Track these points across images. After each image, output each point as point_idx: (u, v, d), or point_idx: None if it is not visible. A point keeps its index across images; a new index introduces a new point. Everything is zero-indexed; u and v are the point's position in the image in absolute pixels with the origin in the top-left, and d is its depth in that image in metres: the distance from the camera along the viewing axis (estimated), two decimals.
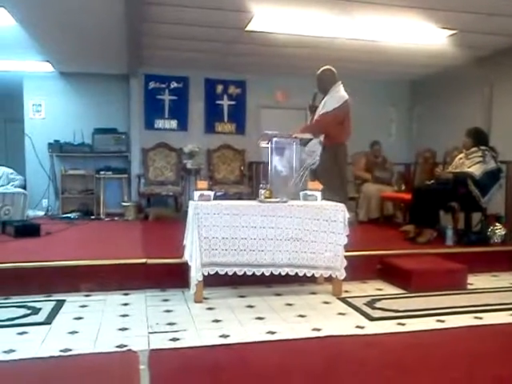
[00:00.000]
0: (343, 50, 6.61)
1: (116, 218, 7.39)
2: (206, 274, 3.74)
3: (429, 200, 5.25)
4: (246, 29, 5.72)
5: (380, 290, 4.26)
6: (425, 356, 2.71)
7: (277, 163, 4.48)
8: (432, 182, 5.73)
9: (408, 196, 5.96)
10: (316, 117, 4.94)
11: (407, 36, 5.94)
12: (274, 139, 4.45)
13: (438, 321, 3.40)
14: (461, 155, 5.62)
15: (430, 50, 6.54)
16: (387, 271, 4.52)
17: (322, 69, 4.99)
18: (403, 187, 7.04)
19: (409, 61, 7.26)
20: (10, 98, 8.24)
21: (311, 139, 4.90)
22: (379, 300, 3.88)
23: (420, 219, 5.35)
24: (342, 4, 4.93)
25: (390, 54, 6.74)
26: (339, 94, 4.84)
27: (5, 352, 2.73)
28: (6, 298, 3.77)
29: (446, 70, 7.68)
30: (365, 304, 3.74)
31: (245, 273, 3.83)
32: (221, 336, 3.03)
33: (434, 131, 8.02)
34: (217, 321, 3.34)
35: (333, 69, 4.97)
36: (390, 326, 3.27)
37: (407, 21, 5.41)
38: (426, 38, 5.98)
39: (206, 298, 3.81)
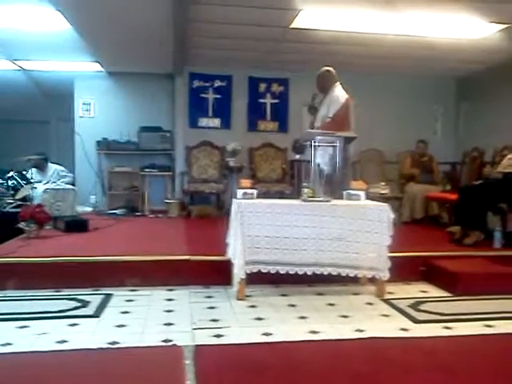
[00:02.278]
0: (389, 47, 6.52)
1: (160, 215, 7.55)
2: (248, 272, 3.77)
3: (476, 200, 5.10)
4: (291, 26, 5.72)
5: (424, 292, 4.18)
6: (472, 361, 2.66)
7: (319, 162, 4.46)
8: (480, 182, 5.57)
9: (454, 196, 5.81)
10: (321, 117, 4.97)
11: (455, 31, 5.79)
12: (317, 137, 4.43)
13: (487, 326, 3.31)
14: (511, 155, 5.43)
15: (479, 46, 6.34)
16: (432, 273, 4.43)
17: (322, 69, 5.06)
18: (448, 187, 6.86)
19: (456, 57, 7.08)
20: (62, 97, 8.58)
21: (355, 137, 4.87)
22: (424, 302, 3.80)
23: (467, 220, 5.19)
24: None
25: (437, 49, 6.58)
26: (343, 92, 4.95)
27: (58, 342, 2.85)
28: (57, 291, 3.94)
29: (495, 66, 7.42)
30: (409, 306, 3.69)
31: (287, 272, 3.84)
32: (263, 334, 3.06)
33: (482, 129, 7.78)
34: (259, 319, 3.37)
35: (332, 70, 5.06)
36: (435, 330, 3.21)
37: (455, 15, 5.27)
38: (474, 32, 5.81)
39: (248, 296, 3.85)
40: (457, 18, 5.35)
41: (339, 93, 4.93)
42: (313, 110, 5.17)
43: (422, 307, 3.68)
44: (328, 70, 5.03)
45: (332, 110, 4.87)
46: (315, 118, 5.10)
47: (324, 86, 5.01)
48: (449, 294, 4.07)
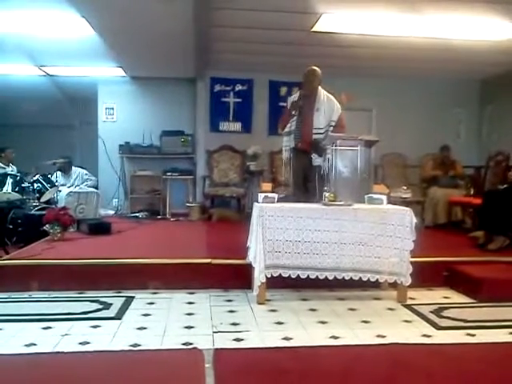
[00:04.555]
0: (410, 49, 6.47)
1: (181, 219, 7.61)
2: (269, 275, 3.77)
3: (501, 205, 5.02)
4: (313, 30, 5.73)
5: (447, 298, 4.12)
6: (496, 369, 2.60)
7: (340, 166, 4.44)
8: (505, 186, 5.47)
9: (478, 200, 5.72)
10: (323, 120, 4.81)
11: (478, 32, 5.71)
12: (338, 141, 4.42)
13: (511, 333, 3.24)
14: None
15: (502, 47, 6.24)
16: (455, 279, 4.36)
17: (312, 67, 4.84)
18: (472, 191, 6.76)
19: (479, 59, 6.97)
20: (86, 102, 8.75)
21: (377, 141, 4.85)
22: (447, 308, 3.74)
23: (491, 225, 5.11)
24: (410, 2, 4.83)
25: (460, 51, 6.49)
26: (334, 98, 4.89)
27: (80, 344, 2.89)
28: (80, 293, 3.99)
29: None
30: (431, 312, 3.63)
31: (308, 276, 3.83)
32: (284, 338, 3.05)
33: (507, 133, 7.65)
34: (279, 323, 3.37)
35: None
36: (458, 336, 3.16)
37: (478, 16, 5.21)
38: (498, 34, 5.72)
39: (268, 300, 3.84)
40: (480, 19, 5.28)
41: (332, 97, 4.89)
42: (297, 106, 4.87)
43: (445, 313, 3.62)
44: (317, 70, 4.84)
45: (336, 115, 4.85)
46: (305, 115, 4.85)
47: (314, 84, 4.83)
48: (472, 301, 4.00)
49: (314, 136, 4.80)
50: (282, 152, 6.57)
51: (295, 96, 4.99)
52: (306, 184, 4.90)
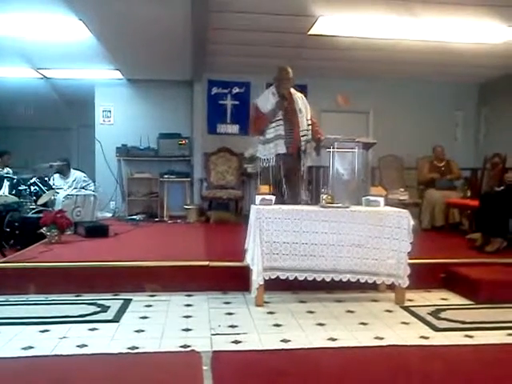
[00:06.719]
0: (407, 52, 6.49)
1: (178, 221, 7.61)
2: (266, 278, 3.77)
3: (498, 207, 5.03)
4: (309, 33, 5.74)
5: (445, 299, 4.12)
6: (494, 371, 2.60)
7: (338, 168, 4.45)
8: (502, 188, 5.49)
9: (475, 203, 5.73)
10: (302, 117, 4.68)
11: (475, 36, 5.72)
12: (336, 143, 4.43)
13: (509, 334, 3.24)
14: None
15: (500, 51, 6.27)
16: (453, 280, 4.36)
17: (287, 66, 4.69)
18: (469, 193, 6.77)
19: (477, 62, 7.00)
20: (83, 105, 8.72)
21: (375, 143, 4.86)
22: (444, 310, 3.75)
23: (488, 227, 5.12)
24: (407, 5, 4.84)
25: (457, 54, 6.52)
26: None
27: (78, 346, 2.89)
28: (77, 296, 3.98)
29: None
30: (429, 314, 3.64)
31: (305, 278, 3.83)
32: (282, 341, 3.04)
33: (504, 135, 7.68)
34: (277, 325, 3.36)
35: None
36: (456, 338, 3.16)
37: (475, 20, 5.22)
38: (495, 37, 5.75)
39: (266, 302, 3.84)
40: (477, 22, 5.30)
41: (300, 94, 4.81)
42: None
43: (443, 315, 3.62)
44: (290, 69, 4.67)
45: (310, 113, 4.76)
46: (289, 118, 4.65)
47: (292, 83, 4.68)
48: (470, 302, 4.01)
49: (301, 138, 4.69)
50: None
51: (267, 95, 4.73)
52: (282, 187, 4.77)
